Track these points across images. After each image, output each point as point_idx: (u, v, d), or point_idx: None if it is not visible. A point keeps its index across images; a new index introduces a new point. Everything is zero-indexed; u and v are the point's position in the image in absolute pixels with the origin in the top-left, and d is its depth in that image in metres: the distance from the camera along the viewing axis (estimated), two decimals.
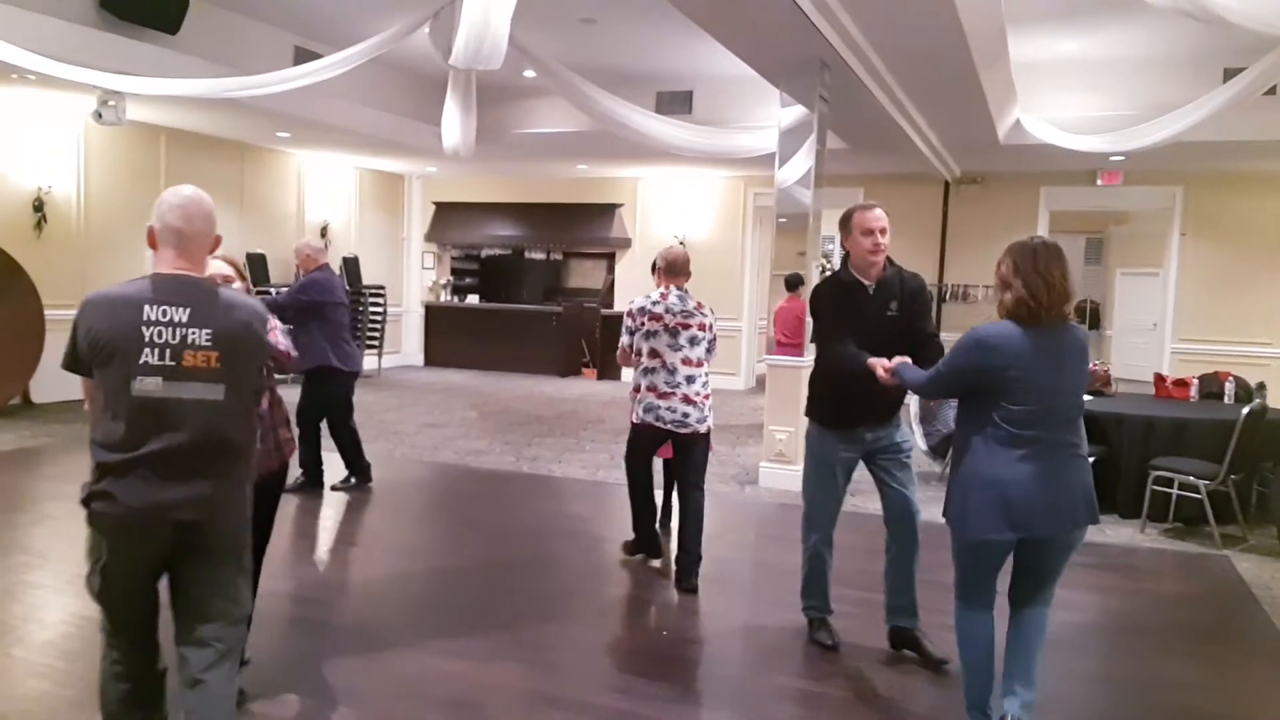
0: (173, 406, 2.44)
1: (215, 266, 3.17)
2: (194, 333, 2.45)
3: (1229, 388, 7.62)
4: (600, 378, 14.18)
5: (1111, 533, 6.25)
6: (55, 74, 6.95)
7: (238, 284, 3.20)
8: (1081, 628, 4.41)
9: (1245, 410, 5.91)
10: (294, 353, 3.35)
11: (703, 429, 4.85)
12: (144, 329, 2.42)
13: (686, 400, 4.77)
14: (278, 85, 7.17)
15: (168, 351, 2.43)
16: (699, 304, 4.91)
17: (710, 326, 4.92)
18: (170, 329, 2.44)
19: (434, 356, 15.62)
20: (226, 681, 2.60)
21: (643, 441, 4.97)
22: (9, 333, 8.52)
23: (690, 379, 4.78)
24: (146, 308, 2.44)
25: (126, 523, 2.45)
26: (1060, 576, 3.18)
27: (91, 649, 2.66)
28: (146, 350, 2.42)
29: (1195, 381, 7.68)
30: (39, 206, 9.49)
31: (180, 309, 2.46)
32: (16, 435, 8.04)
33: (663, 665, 4.05)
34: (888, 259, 3.91)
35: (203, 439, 2.47)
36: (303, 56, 8.68)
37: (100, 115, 8.42)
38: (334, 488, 6.66)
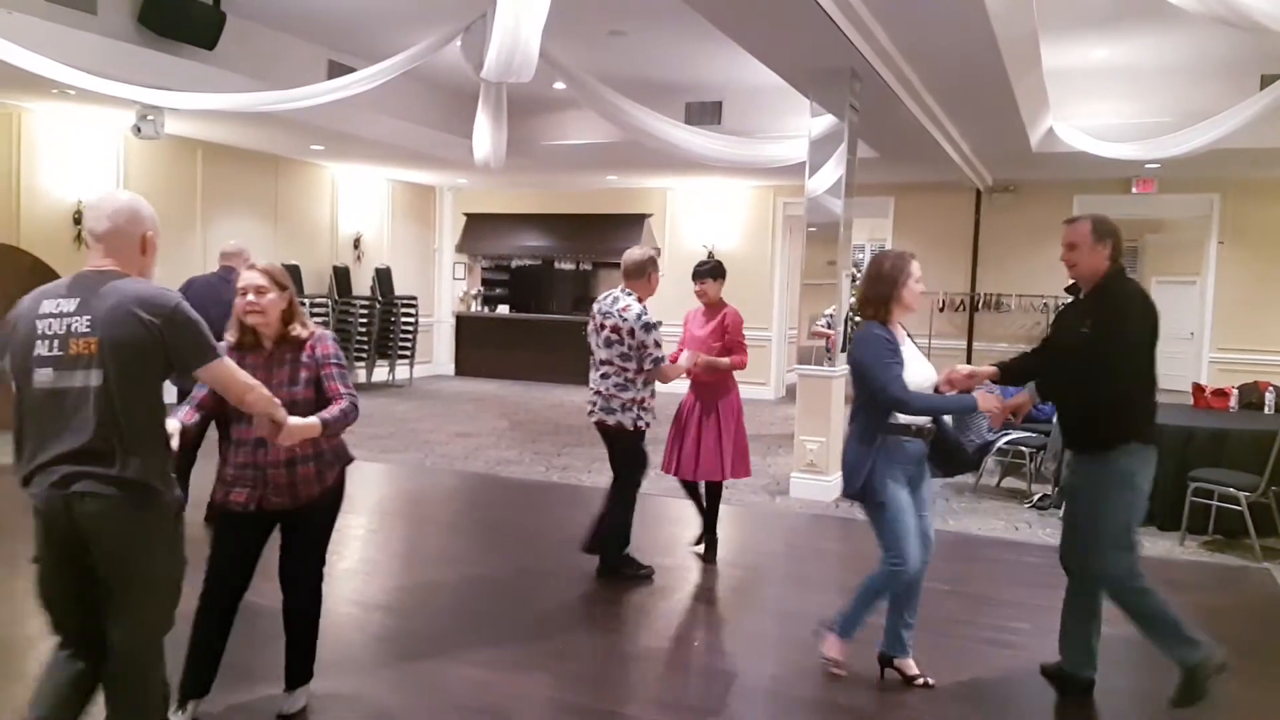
0: (64, 396, 2.50)
1: (248, 278, 3.18)
2: (77, 321, 2.50)
3: (1269, 398, 7.49)
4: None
5: (1150, 545, 6.15)
6: (95, 89, 7.07)
7: (273, 294, 3.15)
8: (1119, 641, 4.33)
9: None
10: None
11: (610, 421, 4.90)
12: (38, 322, 2.52)
13: (598, 393, 4.96)
14: (312, 99, 7.25)
15: (56, 342, 2.50)
16: (626, 306, 4.88)
17: (630, 333, 4.83)
18: (59, 320, 2.51)
19: (465, 366, 15.70)
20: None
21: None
22: None
23: (604, 375, 4.94)
24: (45, 302, 2.55)
25: (38, 514, 2.55)
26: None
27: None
28: (39, 342, 2.51)
29: (1234, 391, 7.55)
30: (79, 220, 9.67)
31: (71, 300, 2.53)
32: None
33: (693, 676, 4.04)
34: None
35: (92, 430, 2.48)
36: (336, 70, 8.78)
37: (139, 129, 8.57)
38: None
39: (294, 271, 12.27)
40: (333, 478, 3.31)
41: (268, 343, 3.21)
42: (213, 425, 3.48)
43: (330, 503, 3.34)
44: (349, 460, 3.40)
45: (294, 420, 2.92)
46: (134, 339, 2.50)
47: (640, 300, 4.95)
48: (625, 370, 4.88)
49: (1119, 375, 3.51)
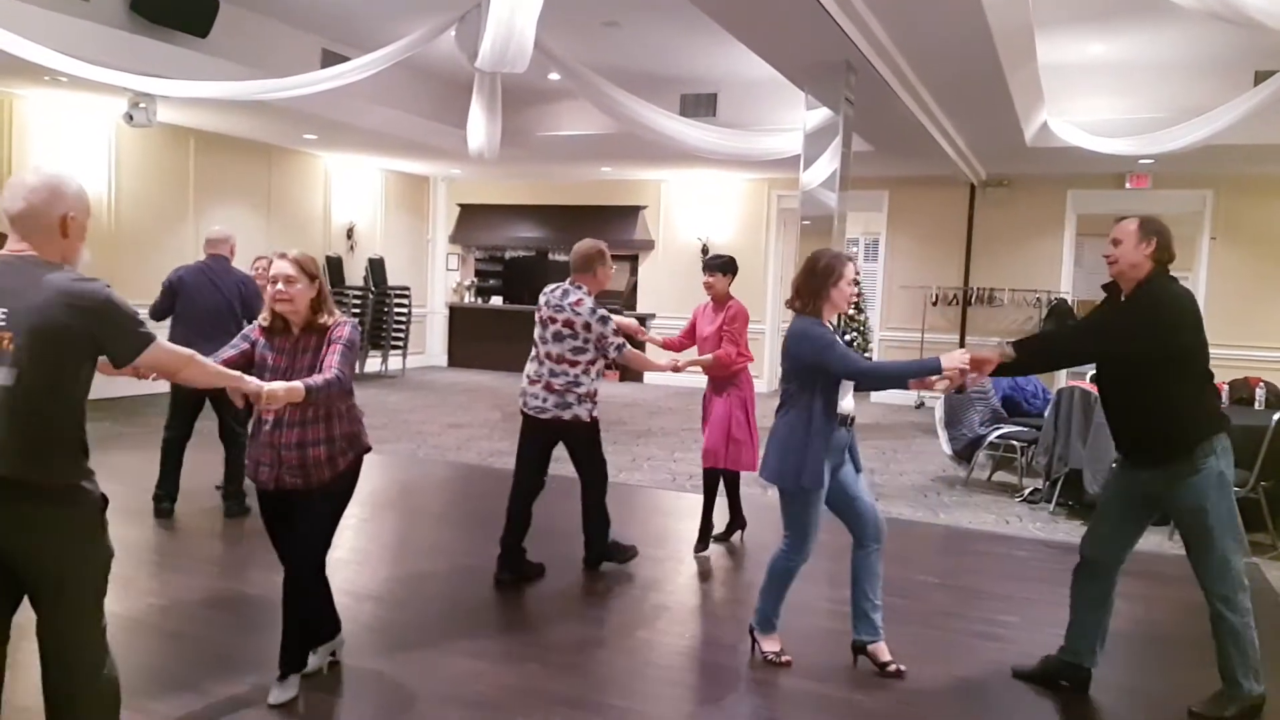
0: None
1: (279, 267, 3.27)
2: None
3: (1260, 393, 7.52)
4: (622, 379, 14.19)
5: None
6: (87, 76, 7.04)
7: (301, 284, 3.26)
8: (1110, 635, 4.36)
9: (1276, 416, 5.83)
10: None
11: (566, 415, 4.83)
12: None
13: (548, 388, 4.83)
14: (305, 88, 7.22)
15: None
16: (578, 300, 4.81)
17: (585, 327, 4.78)
18: None
19: (458, 357, 15.69)
20: None
21: (523, 429, 5.04)
22: None
23: (554, 372, 4.83)
24: None
25: None
26: (783, 517, 3.84)
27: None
28: None
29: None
30: None
31: None
32: None
33: (685, 669, 4.05)
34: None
35: (4, 430, 2.31)
36: (330, 59, 8.75)
37: (131, 117, 8.53)
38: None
39: None
40: (345, 464, 3.40)
41: (295, 329, 3.33)
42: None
43: (341, 489, 3.43)
44: (365, 449, 3.51)
45: (274, 384, 2.98)
46: (59, 334, 2.33)
47: (590, 294, 4.86)
48: (577, 364, 4.82)
49: (1183, 379, 3.51)
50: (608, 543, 5.19)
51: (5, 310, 2.33)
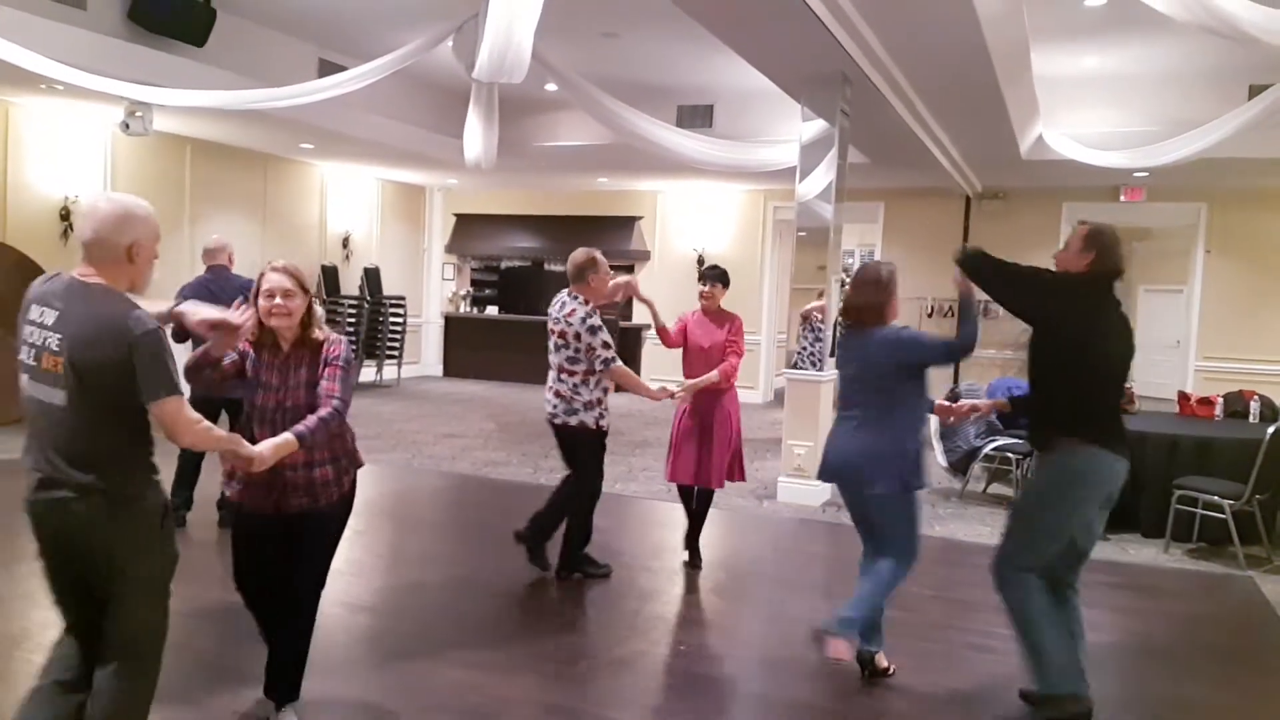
0: (39, 404, 2.50)
1: (275, 280, 3.09)
2: (51, 336, 2.47)
3: (1254, 406, 7.54)
4: (617, 390, 14.13)
5: (1134, 552, 6.19)
6: (83, 85, 7.04)
7: (299, 298, 3.09)
8: (1104, 648, 4.36)
9: (1271, 429, 5.84)
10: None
11: (573, 421, 4.91)
12: (24, 325, 2.53)
13: (556, 394, 4.96)
14: (302, 97, 7.24)
15: (34, 351, 2.50)
16: (571, 311, 4.89)
17: (576, 336, 4.84)
18: (39, 330, 2.49)
19: (453, 367, 15.67)
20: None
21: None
22: None
23: (559, 380, 4.96)
24: (34, 307, 2.53)
25: (28, 514, 2.55)
26: (888, 531, 3.79)
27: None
28: (24, 348, 2.52)
29: (1220, 400, 7.60)
30: (65, 215, 9.62)
31: (52, 312, 2.48)
32: None
33: (680, 681, 4.03)
34: None
35: (56, 445, 2.48)
36: (327, 69, 8.76)
37: (127, 126, 8.52)
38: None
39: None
40: (349, 482, 3.29)
41: (285, 344, 3.17)
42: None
43: (347, 509, 3.32)
44: (359, 464, 3.37)
45: (263, 445, 2.89)
46: (104, 365, 2.43)
47: (586, 303, 4.90)
48: (574, 374, 4.89)
49: (1067, 376, 3.50)
50: (582, 553, 5.19)
51: (60, 336, 2.45)
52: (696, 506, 5.53)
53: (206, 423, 2.68)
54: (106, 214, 2.54)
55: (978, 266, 3.72)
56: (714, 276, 5.41)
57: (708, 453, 5.27)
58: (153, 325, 2.47)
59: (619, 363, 4.94)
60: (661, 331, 5.44)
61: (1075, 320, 3.47)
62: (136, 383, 2.46)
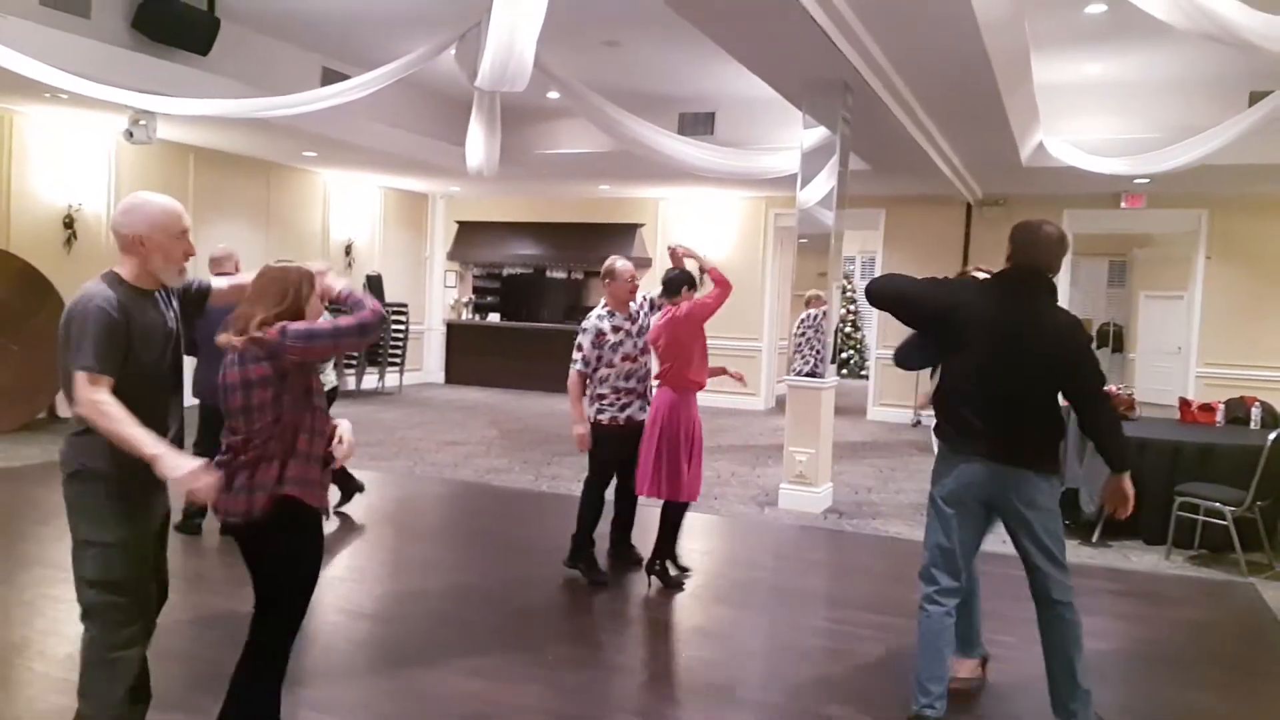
0: None
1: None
2: None
3: (1255, 413, 7.53)
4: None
5: (1136, 559, 6.18)
6: (87, 93, 7.06)
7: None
8: (1104, 655, 4.36)
9: (1272, 436, 5.84)
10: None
11: (592, 415, 5.22)
12: None
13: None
14: (305, 105, 7.26)
15: None
16: (587, 314, 5.34)
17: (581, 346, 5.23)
18: None
19: (455, 374, 15.68)
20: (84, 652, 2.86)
21: None
22: (38, 347, 8.63)
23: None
24: None
25: None
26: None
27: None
28: None
29: (1221, 406, 7.60)
30: (69, 223, 9.67)
31: None
32: (42, 449, 8.12)
33: (682, 688, 4.03)
34: None
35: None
36: (330, 77, 8.79)
37: (131, 134, 8.55)
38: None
39: None
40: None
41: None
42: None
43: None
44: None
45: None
46: (63, 347, 2.73)
47: (608, 309, 5.19)
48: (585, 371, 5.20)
49: (947, 368, 3.52)
50: (583, 553, 5.24)
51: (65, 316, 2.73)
52: (673, 518, 5.20)
53: (112, 409, 2.62)
54: (121, 208, 2.82)
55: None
56: (683, 282, 5.14)
57: (682, 466, 5.01)
58: (89, 302, 2.68)
59: (572, 372, 5.15)
60: (713, 273, 5.19)
61: (957, 322, 3.38)
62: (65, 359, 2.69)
